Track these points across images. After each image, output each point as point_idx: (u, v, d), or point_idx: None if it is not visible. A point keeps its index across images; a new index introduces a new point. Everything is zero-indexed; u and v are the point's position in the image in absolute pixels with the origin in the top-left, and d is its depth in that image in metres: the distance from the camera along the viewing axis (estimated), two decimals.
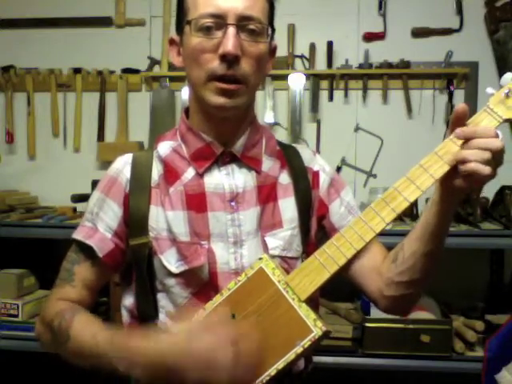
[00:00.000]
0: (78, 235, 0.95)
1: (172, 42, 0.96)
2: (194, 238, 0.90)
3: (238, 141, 0.95)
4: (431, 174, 0.77)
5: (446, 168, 0.76)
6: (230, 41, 0.83)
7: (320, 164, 1.03)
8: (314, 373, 1.01)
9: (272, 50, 0.96)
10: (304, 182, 0.99)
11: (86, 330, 0.85)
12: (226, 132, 0.94)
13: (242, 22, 0.85)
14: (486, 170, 0.72)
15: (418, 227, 0.86)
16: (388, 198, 0.80)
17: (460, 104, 0.76)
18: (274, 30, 0.93)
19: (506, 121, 0.77)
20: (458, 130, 0.76)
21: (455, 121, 0.77)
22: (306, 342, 0.77)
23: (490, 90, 0.79)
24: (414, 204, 1.86)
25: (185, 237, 0.90)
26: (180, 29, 0.93)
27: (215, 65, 0.85)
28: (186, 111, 0.99)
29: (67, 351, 0.87)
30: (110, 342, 0.81)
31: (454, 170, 0.76)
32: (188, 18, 0.88)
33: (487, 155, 0.72)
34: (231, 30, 0.84)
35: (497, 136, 0.74)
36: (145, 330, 0.82)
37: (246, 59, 0.86)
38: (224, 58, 0.84)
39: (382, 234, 0.83)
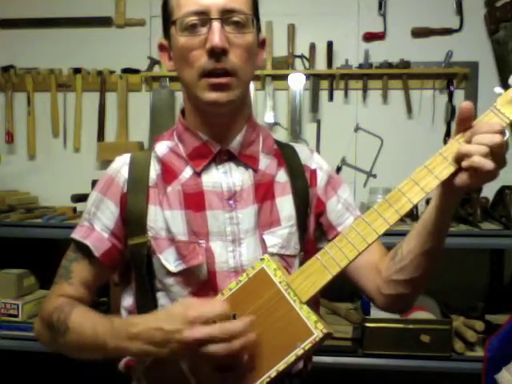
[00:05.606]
0: (75, 235, 0.96)
1: (162, 47, 0.96)
2: (192, 236, 0.91)
3: (234, 139, 0.95)
4: (436, 176, 0.75)
5: (452, 169, 0.75)
6: (215, 35, 0.84)
7: (317, 162, 1.03)
8: (314, 373, 1.01)
9: (261, 43, 0.96)
10: (301, 181, 0.99)
11: (85, 320, 0.86)
12: (222, 129, 0.94)
13: (226, 15, 0.85)
14: (488, 164, 0.70)
15: (418, 226, 0.86)
16: (392, 199, 0.78)
17: (464, 102, 0.73)
18: (259, 21, 0.93)
19: None
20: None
21: (461, 121, 0.75)
22: (307, 344, 0.77)
23: (498, 90, 0.76)
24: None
25: (183, 236, 0.91)
26: (167, 33, 0.93)
27: (204, 61, 0.86)
28: (183, 111, 0.99)
29: (66, 344, 0.88)
30: (109, 326, 0.82)
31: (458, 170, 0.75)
32: (173, 19, 0.89)
33: (484, 149, 0.70)
34: (216, 25, 0.84)
35: (499, 132, 0.71)
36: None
37: (234, 51, 0.86)
38: (212, 52, 0.84)
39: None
